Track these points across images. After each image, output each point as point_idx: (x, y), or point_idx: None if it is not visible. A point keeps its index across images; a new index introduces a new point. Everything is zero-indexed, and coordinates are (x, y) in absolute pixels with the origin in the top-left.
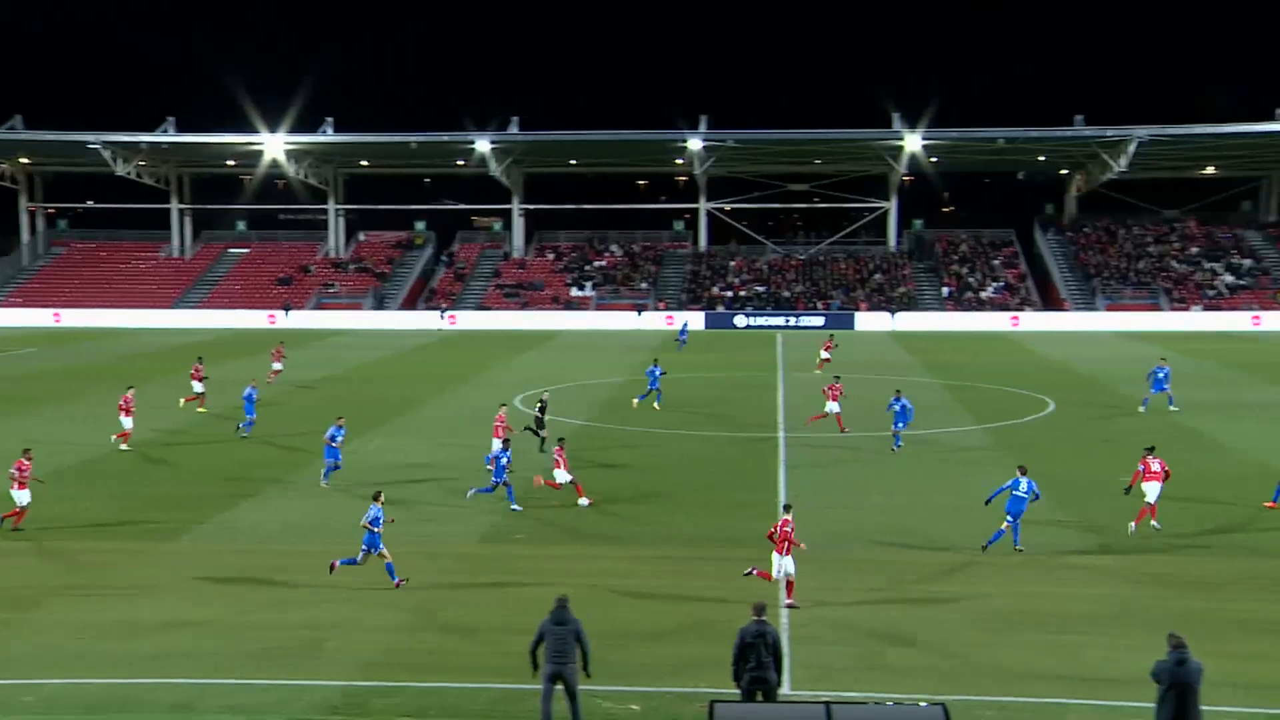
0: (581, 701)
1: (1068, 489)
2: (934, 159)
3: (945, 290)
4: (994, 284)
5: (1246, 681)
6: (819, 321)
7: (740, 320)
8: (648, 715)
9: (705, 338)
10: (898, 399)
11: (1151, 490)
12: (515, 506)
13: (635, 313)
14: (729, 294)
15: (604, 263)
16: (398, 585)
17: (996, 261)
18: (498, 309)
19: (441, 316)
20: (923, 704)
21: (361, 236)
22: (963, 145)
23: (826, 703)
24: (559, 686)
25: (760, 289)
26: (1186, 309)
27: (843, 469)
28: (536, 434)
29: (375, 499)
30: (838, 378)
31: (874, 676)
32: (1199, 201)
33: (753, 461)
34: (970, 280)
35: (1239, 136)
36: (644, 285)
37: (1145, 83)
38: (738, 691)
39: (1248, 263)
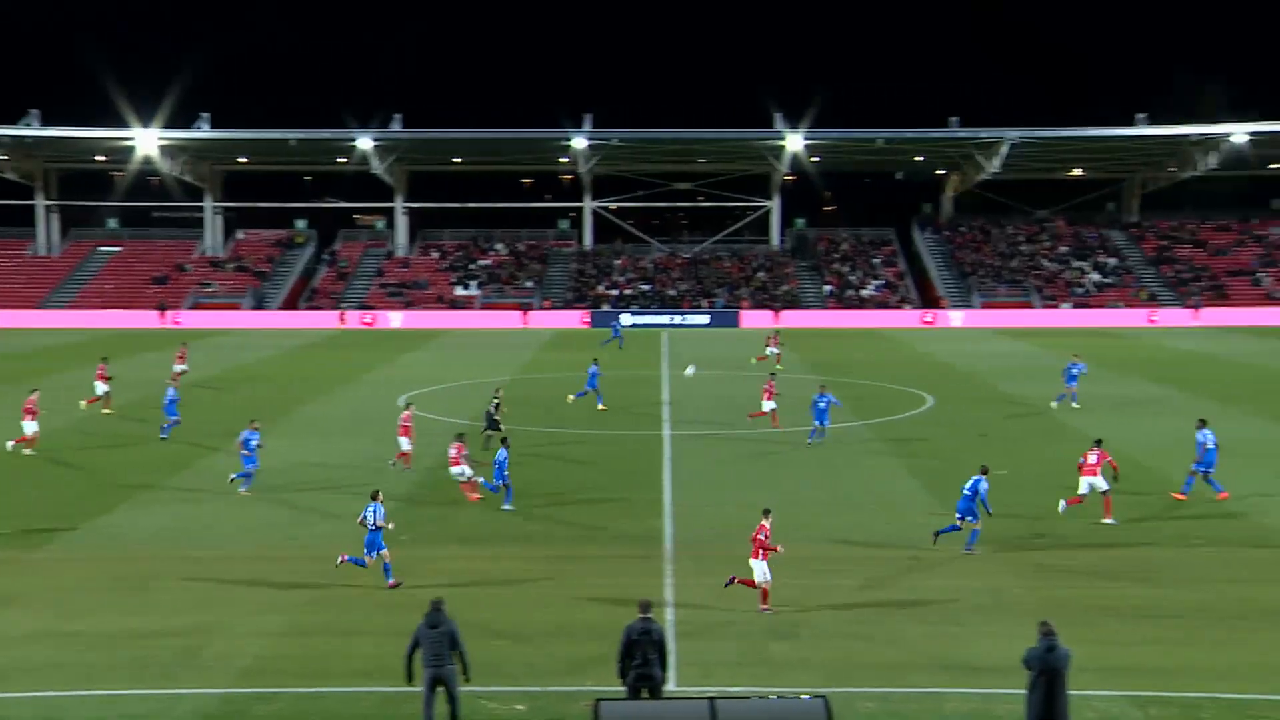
0: (466, 703)
1: (945, 483)
2: (815, 159)
3: (827, 288)
4: (874, 282)
5: (1111, 665)
6: (704, 320)
7: (626, 319)
8: (533, 715)
9: (591, 336)
10: (823, 395)
11: (1083, 484)
12: (508, 506)
13: (521, 311)
14: (614, 292)
15: (489, 261)
16: (365, 574)
17: (876, 260)
18: (382, 308)
19: (342, 318)
20: (805, 697)
21: (240, 235)
22: (843, 145)
23: (711, 698)
24: (441, 690)
25: (645, 287)
26: (1056, 306)
27: (729, 467)
28: (495, 429)
29: (374, 498)
30: (773, 375)
31: (758, 671)
32: (1067, 202)
33: (638, 460)
34: (851, 279)
35: (1102, 140)
36: (529, 284)
37: (1018, 87)
38: (623, 689)
39: (1113, 261)
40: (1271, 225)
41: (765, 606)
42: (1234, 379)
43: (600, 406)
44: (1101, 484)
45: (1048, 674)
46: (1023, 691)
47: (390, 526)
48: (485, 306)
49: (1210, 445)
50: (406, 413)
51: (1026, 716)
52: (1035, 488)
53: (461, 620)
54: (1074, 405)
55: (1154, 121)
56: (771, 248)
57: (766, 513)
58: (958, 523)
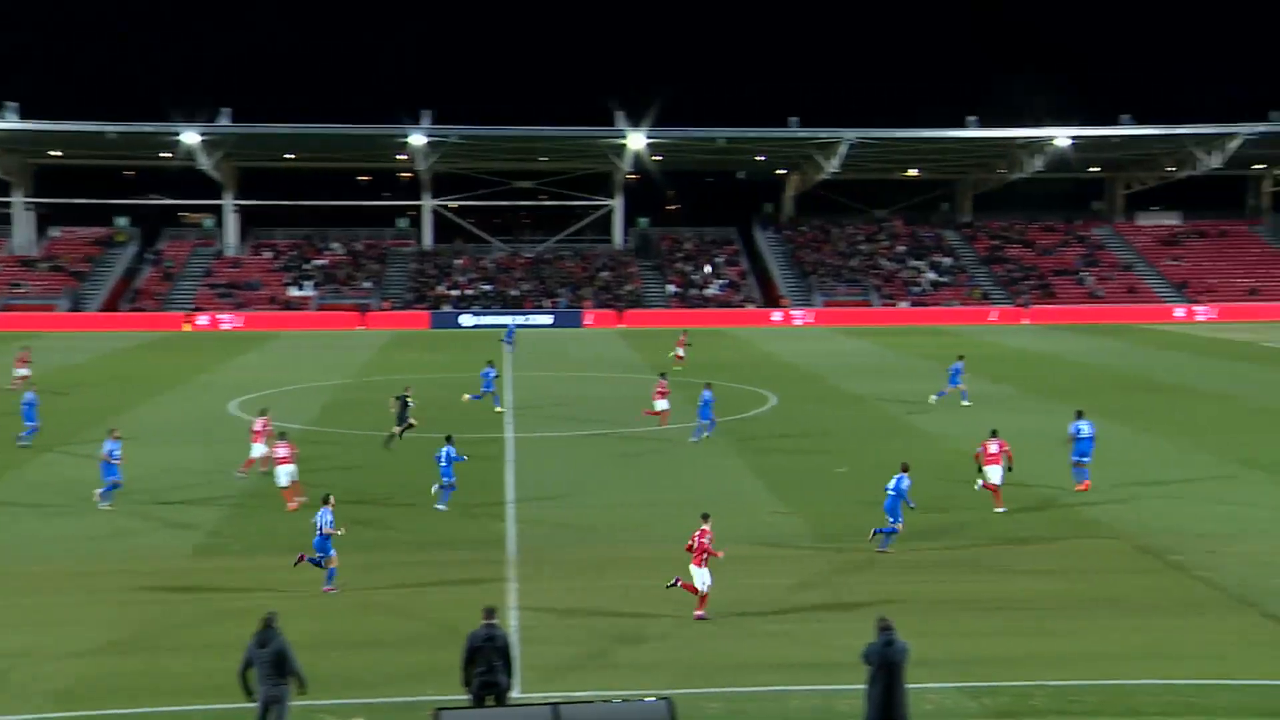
0: (304, 717)
1: (788, 481)
2: (657, 157)
3: (670, 288)
4: (717, 281)
5: (947, 658)
6: (548, 320)
7: (467, 319)
8: None
9: (430, 337)
10: (706, 390)
11: (992, 473)
12: (440, 506)
13: (359, 313)
14: (455, 293)
15: (325, 261)
16: (326, 591)
17: (720, 259)
18: (211, 309)
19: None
20: (649, 700)
21: (55, 233)
22: (684, 144)
23: (554, 704)
24: (275, 709)
25: (487, 287)
26: (895, 305)
27: (572, 469)
28: (400, 428)
29: (325, 502)
30: (663, 375)
31: (603, 675)
32: (904, 202)
33: (479, 463)
34: (695, 278)
35: (935, 141)
36: (367, 285)
37: (857, 88)
38: (468, 697)
39: (948, 261)
40: (1093, 226)
41: (700, 612)
42: (1063, 376)
43: (464, 397)
44: (994, 479)
45: (886, 668)
46: (862, 686)
47: (341, 532)
48: (322, 308)
49: (1084, 435)
50: (263, 419)
51: (866, 711)
52: (875, 485)
53: (296, 632)
54: (933, 400)
55: (984, 124)
56: (614, 247)
57: (705, 517)
58: (892, 524)
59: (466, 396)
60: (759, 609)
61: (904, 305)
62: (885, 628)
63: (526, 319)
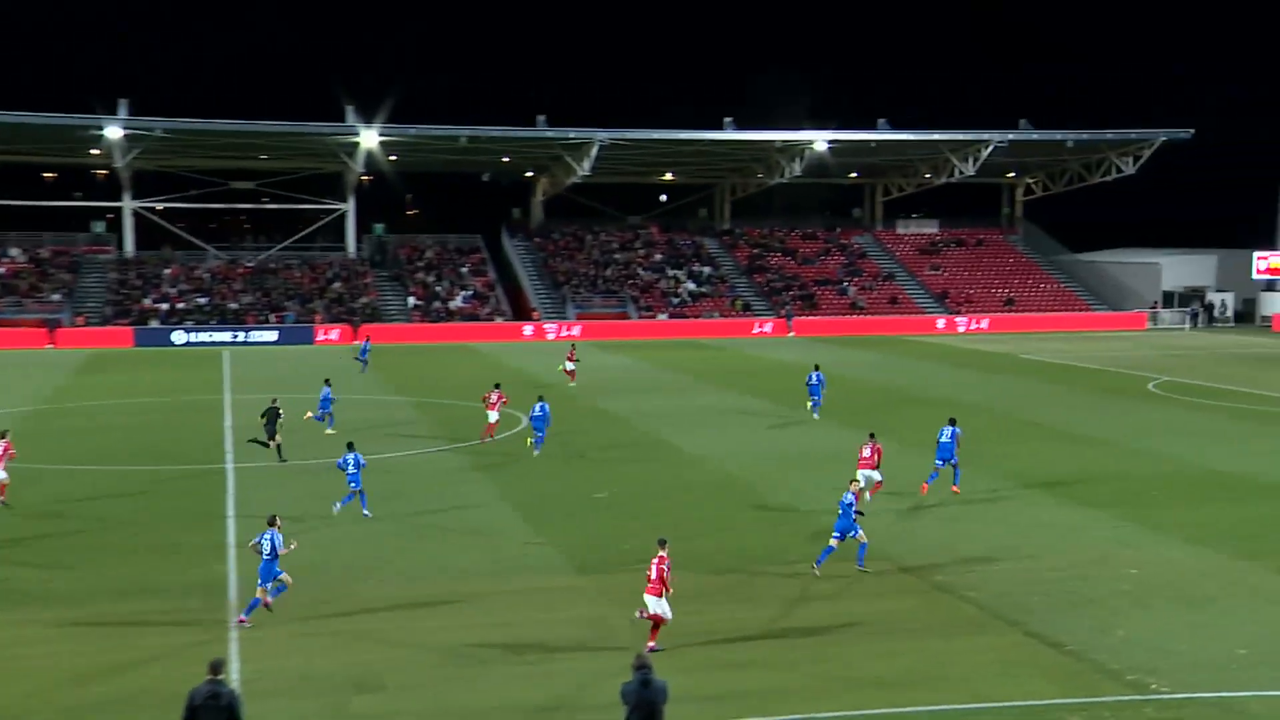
0: None
1: (542, 508)
2: (393, 157)
3: (411, 300)
4: (463, 293)
5: (712, 693)
6: (272, 336)
7: (179, 336)
8: None
9: (135, 357)
10: (541, 404)
11: (861, 477)
12: (366, 513)
13: (47, 329)
14: (164, 306)
15: (2, 270)
16: (267, 605)
17: (465, 269)
18: None
19: None
20: None
21: None
22: (423, 143)
23: None
24: None
25: (202, 300)
26: (654, 317)
27: (300, 501)
28: (265, 445)
29: (270, 524)
30: (498, 385)
31: None
32: (661, 208)
33: (195, 498)
34: (438, 289)
35: (692, 143)
36: (56, 297)
37: (610, 87)
38: None
39: (707, 270)
40: (854, 234)
41: (652, 644)
42: (828, 391)
43: (329, 430)
44: (876, 475)
45: (643, 709)
46: None
47: (294, 546)
48: (0, 324)
49: (945, 440)
50: (3, 442)
51: None
52: (637, 509)
53: None
54: (815, 416)
55: (740, 126)
56: (348, 255)
57: (663, 543)
58: (833, 544)
59: (309, 415)
60: (506, 648)
61: (663, 317)
62: (641, 666)
63: (247, 336)
